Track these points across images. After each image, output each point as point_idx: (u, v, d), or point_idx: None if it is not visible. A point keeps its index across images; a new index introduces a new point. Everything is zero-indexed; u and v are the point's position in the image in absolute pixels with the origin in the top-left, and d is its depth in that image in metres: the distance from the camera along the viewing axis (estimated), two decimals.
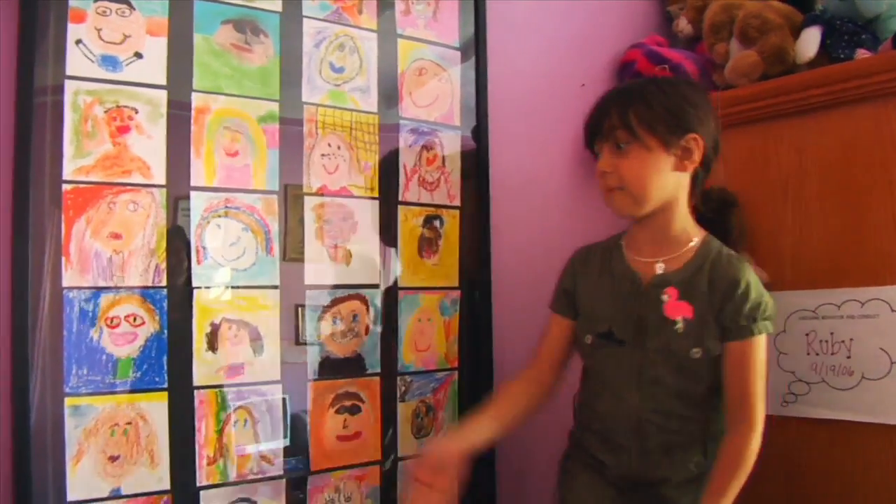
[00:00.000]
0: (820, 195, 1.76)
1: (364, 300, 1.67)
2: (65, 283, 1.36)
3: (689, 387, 1.44)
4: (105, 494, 1.38)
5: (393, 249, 1.72)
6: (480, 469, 1.76)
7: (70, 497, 1.35)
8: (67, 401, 1.36)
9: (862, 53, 1.79)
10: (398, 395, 1.73)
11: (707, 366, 1.42)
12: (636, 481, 1.49)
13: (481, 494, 1.79)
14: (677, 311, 1.43)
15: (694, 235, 1.48)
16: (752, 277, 1.42)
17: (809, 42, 1.81)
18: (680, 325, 1.42)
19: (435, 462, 1.39)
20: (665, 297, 1.44)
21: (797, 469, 1.77)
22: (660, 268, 1.47)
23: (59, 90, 1.37)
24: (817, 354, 1.75)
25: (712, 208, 1.53)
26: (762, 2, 1.92)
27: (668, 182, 1.44)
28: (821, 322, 1.74)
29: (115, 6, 1.42)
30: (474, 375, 1.84)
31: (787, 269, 1.80)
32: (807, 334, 1.76)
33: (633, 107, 1.42)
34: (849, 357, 1.70)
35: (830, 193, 1.74)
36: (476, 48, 1.87)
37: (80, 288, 1.37)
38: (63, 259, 1.36)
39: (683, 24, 2.19)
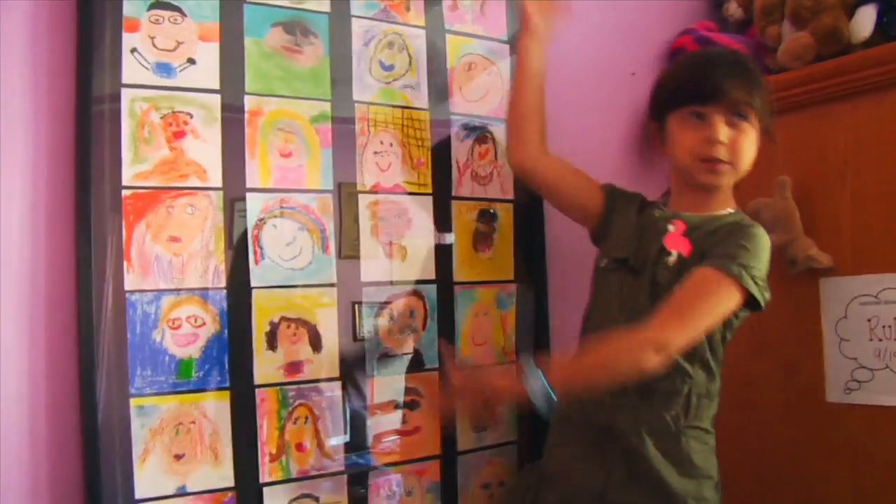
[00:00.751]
0: (879, 177, 1.72)
1: (420, 296, 1.68)
2: (127, 287, 1.39)
3: None
4: (171, 492, 1.41)
5: (448, 244, 1.73)
6: None
7: (138, 495, 1.38)
8: (133, 401, 1.39)
9: None
10: None
11: None
12: (609, 425, 1.44)
13: None
14: (676, 244, 1.44)
15: (730, 207, 1.52)
16: (760, 236, 1.42)
17: (864, 21, 1.77)
18: (673, 258, 1.42)
19: None
20: (671, 228, 1.46)
21: (862, 456, 1.74)
22: (687, 216, 1.49)
23: (116, 98, 1.39)
24: (880, 340, 1.71)
25: None
26: None
27: None
28: (883, 307, 1.71)
29: (167, 14, 1.45)
30: None
31: (847, 253, 1.76)
32: (869, 320, 1.73)
33: (757, 84, 1.45)
34: None
35: (890, 175, 1.70)
36: None
37: (142, 291, 1.40)
38: (125, 263, 1.39)
39: (734, 8, 2.16)
